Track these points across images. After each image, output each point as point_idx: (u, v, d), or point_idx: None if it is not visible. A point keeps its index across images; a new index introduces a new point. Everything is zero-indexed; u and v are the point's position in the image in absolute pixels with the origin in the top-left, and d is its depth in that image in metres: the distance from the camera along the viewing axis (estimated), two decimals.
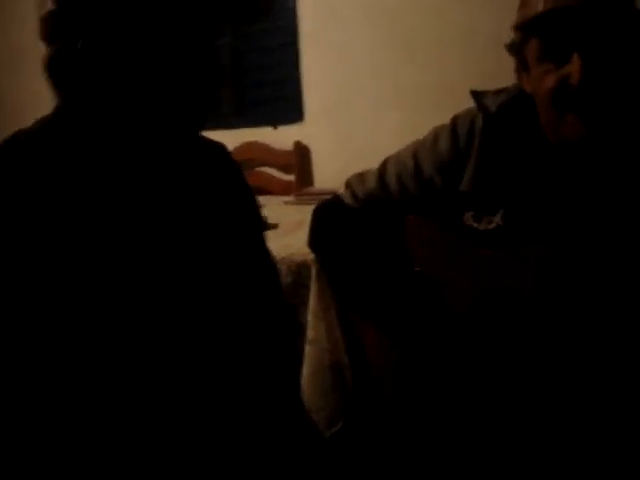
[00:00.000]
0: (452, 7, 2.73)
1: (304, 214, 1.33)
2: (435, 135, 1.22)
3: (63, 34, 0.79)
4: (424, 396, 1.20)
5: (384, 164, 1.27)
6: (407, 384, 1.24)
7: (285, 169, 3.24)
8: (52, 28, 0.80)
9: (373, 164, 1.31)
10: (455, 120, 1.21)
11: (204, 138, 1.01)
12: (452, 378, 1.15)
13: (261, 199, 3.06)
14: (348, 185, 1.30)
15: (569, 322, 1.02)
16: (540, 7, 1.00)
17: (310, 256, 1.55)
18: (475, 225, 1.13)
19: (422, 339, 1.16)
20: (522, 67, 1.08)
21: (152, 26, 0.79)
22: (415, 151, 1.23)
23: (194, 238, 0.91)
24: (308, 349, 1.58)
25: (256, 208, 1.07)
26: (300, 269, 1.65)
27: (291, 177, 3.20)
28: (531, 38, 1.03)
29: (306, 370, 1.59)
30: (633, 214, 1.01)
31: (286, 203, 2.70)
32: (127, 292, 0.83)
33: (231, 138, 3.26)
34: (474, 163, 1.15)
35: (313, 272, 1.62)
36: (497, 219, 1.11)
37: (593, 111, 1.00)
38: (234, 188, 1.01)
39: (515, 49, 1.08)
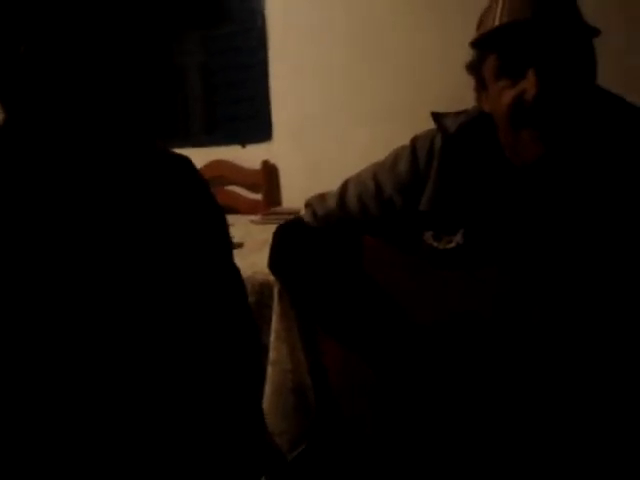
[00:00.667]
0: (423, 28, 2.77)
1: (270, 233, 1.32)
2: (395, 156, 1.22)
3: (4, 40, 0.76)
4: (387, 416, 1.19)
5: (344, 185, 1.27)
6: (370, 405, 1.23)
7: (253, 188, 3.24)
8: None
9: None
10: (414, 141, 1.21)
11: (167, 151, 0.98)
12: (415, 398, 1.14)
13: (228, 218, 3.04)
14: (308, 205, 1.30)
15: (527, 343, 1.02)
16: (496, 23, 1.02)
17: (273, 276, 1.53)
18: (435, 244, 1.13)
19: (384, 359, 1.15)
20: (480, 86, 1.09)
21: (100, 31, 0.77)
22: (375, 172, 1.23)
23: (154, 253, 0.88)
24: (270, 370, 1.57)
25: (224, 223, 1.04)
26: (263, 289, 1.64)
27: (259, 196, 3.20)
28: (488, 55, 1.04)
29: (268, 391, 1.57)
30: (591, 233, 1.02)
31: (253, 222, 2.69)
32: (77, 311, 0.80)
33: (200, 156, 3.25)
34: (433, 183, 1.15)
35: (275, 292, 1.61)
36: (457, 238, 1.11)
37: (550, 127, 1.00)
38: (199, 202, 0.98)
39: (473, 68, 1.09)
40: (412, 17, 2.80)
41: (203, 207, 0.99)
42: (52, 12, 0.75)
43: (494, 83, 1.04)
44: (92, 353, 0.81)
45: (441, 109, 1.21)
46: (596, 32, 1.01)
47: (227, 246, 1.04)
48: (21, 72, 0.76)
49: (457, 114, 1.18)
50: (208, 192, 1.01)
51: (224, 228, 1.03)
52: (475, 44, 1.06)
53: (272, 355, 1.57)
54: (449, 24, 2.68)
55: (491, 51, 1.03)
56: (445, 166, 1.15)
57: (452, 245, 1.11)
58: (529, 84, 0.98)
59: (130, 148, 0.89)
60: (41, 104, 0.79)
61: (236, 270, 1.04)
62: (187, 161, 1.00)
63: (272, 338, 1.58)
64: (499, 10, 1.02)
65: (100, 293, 0.83)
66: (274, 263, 1.29)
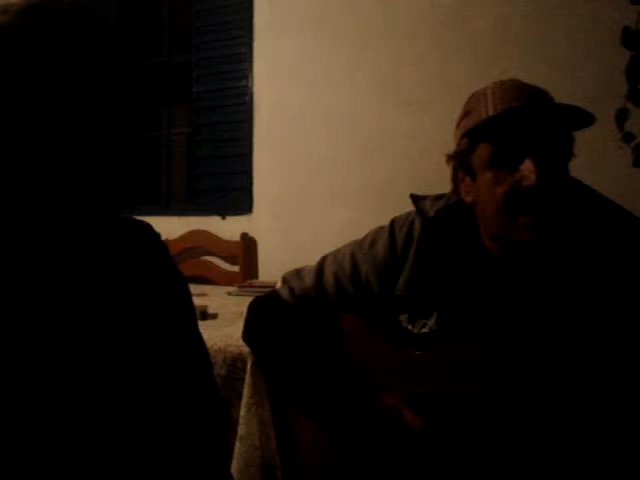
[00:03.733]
0: (399, 114, 2.88)
1: (245, 306, 1.32)
2: (373, 237, 1.23)
3: None
4: None
5: (322, 262, 1.27)
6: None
7: (231, 260, 3.25)
8: None
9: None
10: (393, 224, 1.22)
11: (127, 218, 0.96)
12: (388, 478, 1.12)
13: (204, 288, 3.03)
14: (285, 281, 1.30)
15: (503, 425, 1.02)
16: (490, 111, 1.03)
17: (246, 349, 1.52)
18: (410, 327, 1.13)
19: (358, 438, 1.13)
20: (464, 175, 1.09)
21: (81, 98, 0.78)
22: (353, 252, 1.23)
23: (112, 325, 0.85)
24: (239, 446, 1.53)
25: (186, 291, 1.00)
26: (235, 361, 1.62)
27: (236, 268, 3.20)
28: (479, 145, 1.04)
29: (235, 468, 1.52)
30: (566, 320, 1.02)
31: (229, 293, 2.69)
32: (33, 392, 0.77)
33: (179, 224, 3.32)
34: (410, 267, 1.16)
35: (249, 365, 1.58)
36: (431, 323, 1.11)
37: (545, 214, 1.01)
38: (159, 269, 0.96)
39: (460, 157, 1.09)
40: (392, 97, 2.92)
41: (164, 275, 0.97)
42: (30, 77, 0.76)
43: (485, 171, 1.04)
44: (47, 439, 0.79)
45: (413, 190, 1.23)
46: (591, 118, 1.01)
47: (190, 314, 1.01)
48: None
49: (435, 198, 1.20)
50: (169, 259, 0.99)
51: (186, 296, 1.00)
52: (468, 134, 1.06)
53: (241, 430, 1.53)
54: (430, 106, 2.80)
55: (484, 140, 1.04)
56: (423, 251, 1.15)
57: (426, 330, 1.11)
58: (528, 172, 0.99)
59: (89, 215, 0.87)
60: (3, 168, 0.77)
61: (200, 339, 1.02)
62: (148, 227, 0.98)
63: (242, 412, 1.55)
64: (491, 99, 1.04)
65: (56, 371, 0.80)
66: (248, 336, 1.28)
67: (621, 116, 2.25)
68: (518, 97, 1.02)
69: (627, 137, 2.24)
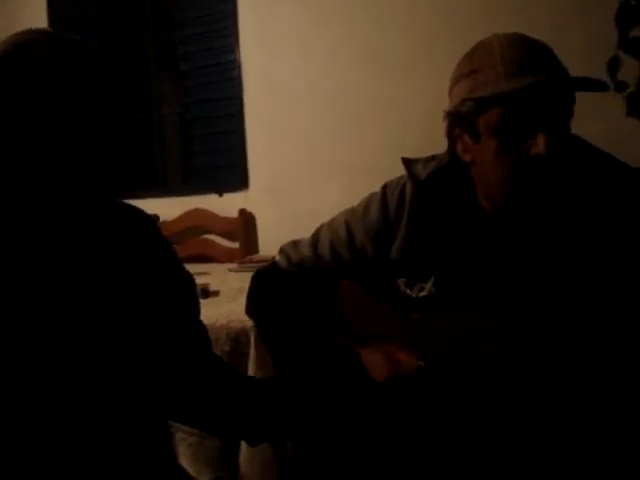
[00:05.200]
0: (388, 83, 2.85)
1: (246, 282, 1.31)
2: (366, 204, 1.22)
3: None
4: (365, 469, 1.18)
5: (317, 232, 1.27)
6: (350, 456, 1.21)
7: (230, 236, 3.24)
8: None
9: None
10: (385, 189, 1.21)
11: (134, 209, 0.99)
12: (389, 443, 1.13)
13: (205, 266, 3.04)
14: (282, 251, 1.30)
15: (503, 390, 1.02)
16: (502, 79, 0.99)
17: (249, 323, 1.53)
18: (408, 292, 1.13)
19: (358, 404, 1.14)
20: (468, 136, 1.06)
21: (75, 83, 0.79)
22: (347, 219, 1.23)
23: (116, 313, 0.88)
24: None
25: (191, 285, 1.04)
26: (239, 336, 1.63)
27: (236, 244, 3.20)
28: (488, 110, 1.01)
29: (244, 443, 1.54)
30: (563, 280, 1.02)
31: (230, 270, 2.69)
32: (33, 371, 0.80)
33: (177, 205, 3.31)
34: (404, 231, 1.15)
35: (252, 339, 1.60)
36: (429, 286, 1.11)
37: (551, 184, 1.01)
38: (163, 264, 0.99)
39: (463, 118, 1.05)
40: (378, 66, 2.88)
41: (167, 269, 1.00)
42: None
43: (491, 137, 1.02)
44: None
45: (411, 155, 1.21)
46: (605, 87, 1.03)
47: (194, 305, 1.05)
48: None
49: (427, 160, 1.18)
50: (171, 252, 1.03)
51: (192, 289, 1.04)
52: (476, 97, 1.02)
53: None
54: (416, 73, 2.77)
55: (494, 106, 1.01)
56: (416, 214, 1.15)
57: (424, 293, 1.11)
58: (539, 143, 0.98)
59: (95, 205, 0.89)
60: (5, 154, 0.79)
61: (201, 326, 1.06)
62: (152, 222, 1.01)
63: None
64: (500, 61, 1.01)
65: (61, 352, 0.83)
66: (250, 307, 1.29)
67: (613, 65, 2.23)
68: (529, 61, 1.00)
69: (620, 86, 2.23)
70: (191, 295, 1.05)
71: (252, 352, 1.59)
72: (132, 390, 0.89)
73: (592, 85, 1.01)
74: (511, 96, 0.98)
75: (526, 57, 1.01)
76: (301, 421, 1.04)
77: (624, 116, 2.21)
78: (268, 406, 1.03)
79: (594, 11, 2.37)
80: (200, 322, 1.06)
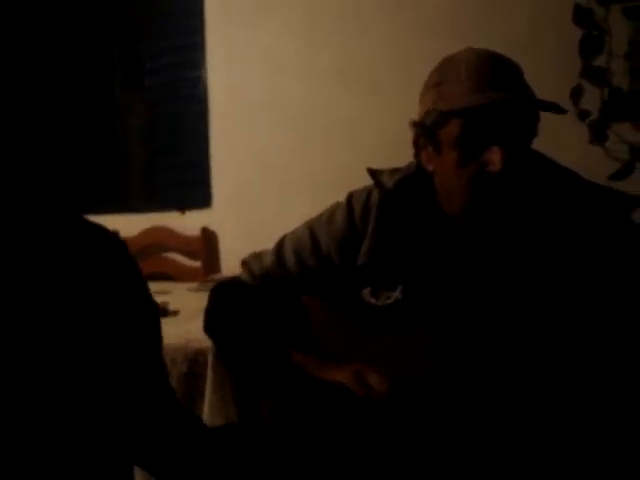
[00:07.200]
0: (351, 99, 2.86)
1: (206, 301, 1.27)
2: (331, 211, 1.22)
3: None
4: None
5: (281, 242, 1.25)
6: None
7: (191, 255, 3.19)
8: None
9: None
10: (350, 196, 1.22)
11: (95, 225, 0.94)
12: (349, 460, 1.10)
13: (165, 285, 2.97)
14: (244, 264, 1.27)
15: (466, 406, 1.00)
16: (464, 92, 1.02)
17: (207, 344, 1.48)
18: (373, 301, 1.12)
19: (323, 422, 1.11)
20: (427, 144, 1.09)
21: (33, 91, 0.76)
22: (311, 227, 1.23)
23: (74, 335, 0.83)
24: None
25: (147, 296, 0.99)
26: (197, 357, 1.58)
27: (197, 263, 3.15)
28: (449, 122, 1.04)
29: None
30: (532, 286, 1.03)
31: (190, 290, 2.63)
32: None
33: (138, 222, 3.25)
34: (370, 237, 1.15)
35: (210, 360, 1.55)
36: (396, 294, 1.10)
37: (507, 198, 1.04)
38: (119, 274, 0.94)
39: (426, 129, 1.08)
40: (345, 82, 2.89)
41: (134, 292, 0.95)
42: None
43: (452, 149, 1.05)
44: None
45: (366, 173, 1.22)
46: (564, 111, 1.04)
47: (155, 334, 1.00)
48: None
49: (393, 171, 1.19)
50: (140, 277, 0.98)
51: (155, 316, 1.00)
52: (438, 109, 1.05)
53: None
54: (383, 89, 2.79)
55: (454, 119, 1.03)
56: (382, 220, 1.15)
57: (390, 301, 1.10)
58: (494, 158, 1.00)
59: (58, 220, 0.85)
60: None
61: (161, 359, 1.01)
62: (121, 242, 0.96)
63: (205, 409, 1.52)
64: (465, 74, 1.03)
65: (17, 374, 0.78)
66: (210, 324, 1.24)
67: (576, 93, 2.26)
68: (493, 78, 1.02)
69: (582, 114, 2.26)
70: (153, 324, 1.00)
71: (209, 373, 1.55)
72: (81, 418, 0.84)
73: (552, 107, 1.03)
74: (472, 111, 1.01)
75: (491, 73, 1.03)
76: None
77: (587, 143, 2.24)
78: (211, 457, 0.99)
79: (559, 40, 2.42)
80: (159, 353, 1.01)
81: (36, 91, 0.78)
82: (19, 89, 0.76)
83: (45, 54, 0.81)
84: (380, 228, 1.15)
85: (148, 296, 0.98)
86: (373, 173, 1.20)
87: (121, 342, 0.89)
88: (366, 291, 1.13)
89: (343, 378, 1.04)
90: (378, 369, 1.03)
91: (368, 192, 1.20)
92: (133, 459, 0.99)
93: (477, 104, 1.00)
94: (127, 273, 0.95)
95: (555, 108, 1.03)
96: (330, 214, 1.22)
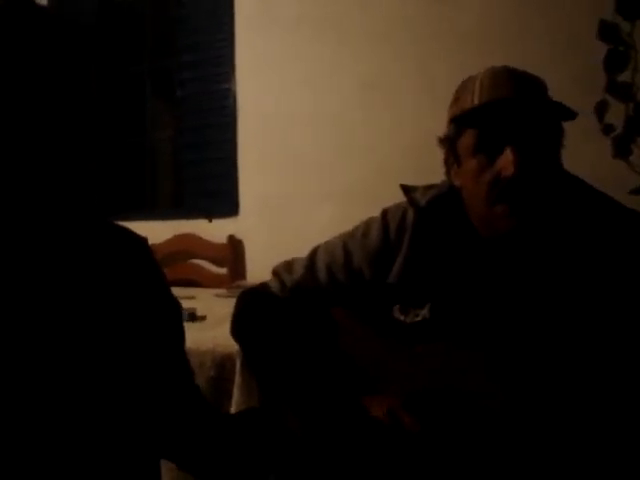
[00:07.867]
0: (381, 111, 2.89)
1: (233, 307, 1.31)
2: (365, 227, 1.23)
3: None
4: None
5: (313, 253, 1.26)
6: None
7: (218, 262, 3.24)
8: None
9: None
10: (385, 213, 1.22)
11: (126, 230, 0.97)
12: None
13: (192, 291, 3.01)
14: (276, 273, 1.28)
15: (501, 419, 1.01)
16: (476, 100, 1.04)
17: (235, 348, 1.52)
18: (402, 318, 1.13)
19: (349, 438, 1.12)
20: (453, 160, 1.11)
21: (70, 106, 0.80)
22: (345, 242, 1.23)
23: (101, 338, 0.86)
24: None
25: (172, 305, 1.01)
26: (224, 362, 1.62)
27: (224, 270, 3.20)
28: (466, 131, 1.06)
29: None
30: (560, 306, 1.03)
31: (217, 296, 2.68)
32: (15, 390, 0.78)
33: (166, 229, 3.31)
34: (404, 256, 1.16)
35: (238, 365, 1.58)
36: (424, 312, 1.11)
37: (524, 203, 1.03)
38: (152, 287, 0.97)
39: (448, 142, 1.10)
40: (374, 94, 2.92)
41: (156, 292, 0.97)
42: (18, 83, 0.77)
43: (470, 159, 1.06)
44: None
45: (394, 186, 1.23)
46: (574, 115, 1.03)
47: (178, 333, 1.02)
48: None
49: (426, 188, 1.20)
50: (162, 278, 1.00)
51: (178, 317, 1.02)
52: (454, 120, 1.08)
53: None
54: (411, 103, 2.81)
55: (468, 128, 1.05)
56: (417, 239, 1.16)
57: (419, 319, 1.11)
58: (507, 162, 1.01)
59: (88, 225, 0.89)
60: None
61: (185, 357, 1.03)
62: (144, 243, 0.98)
63: (233, 412, 1.55)
64: (478, 88, 1.05)
65: (44, 374, 0.80)
66: (235, 328, 1.26)
67: (601, 108, 2.27)
68: (506, 86, 1.04)
69: (607, 129, 2.27)
70: (176, 323, 1.02)
71: (237, 378, 1.58)
72: (108, 417, 0.86)
73: (557, 107, 1.03)
74: (483, 117, 1.03)
75: (505, 83, 1.05)
76: (274, 458, 1.03)
77: (611, 158, 2.25)
78: (239, 447, 1.01)
79: (584, 56, 2.43)
80: (183, 351, 1.03)
81: (69, 103, 0.81)
82: (55, 101, 0.80)
83: (82, 69, 0.85)
84: (415, 246, 1.15)
85: (169, 293, 1.00)
86: (407, 190, 1.20)
87: (144, 337, 0.91)
88: (395, 308, 1.14)
89: (377, 413, 1.06)
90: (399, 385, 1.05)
91: (403, 210, 1.20)
92: (160, 452, 1.01)
93: (481, 103, 1.02)
94: (148, 270, 0.97)
95: (561, 107, 1.03)
96: (365, 229, 1.22)
